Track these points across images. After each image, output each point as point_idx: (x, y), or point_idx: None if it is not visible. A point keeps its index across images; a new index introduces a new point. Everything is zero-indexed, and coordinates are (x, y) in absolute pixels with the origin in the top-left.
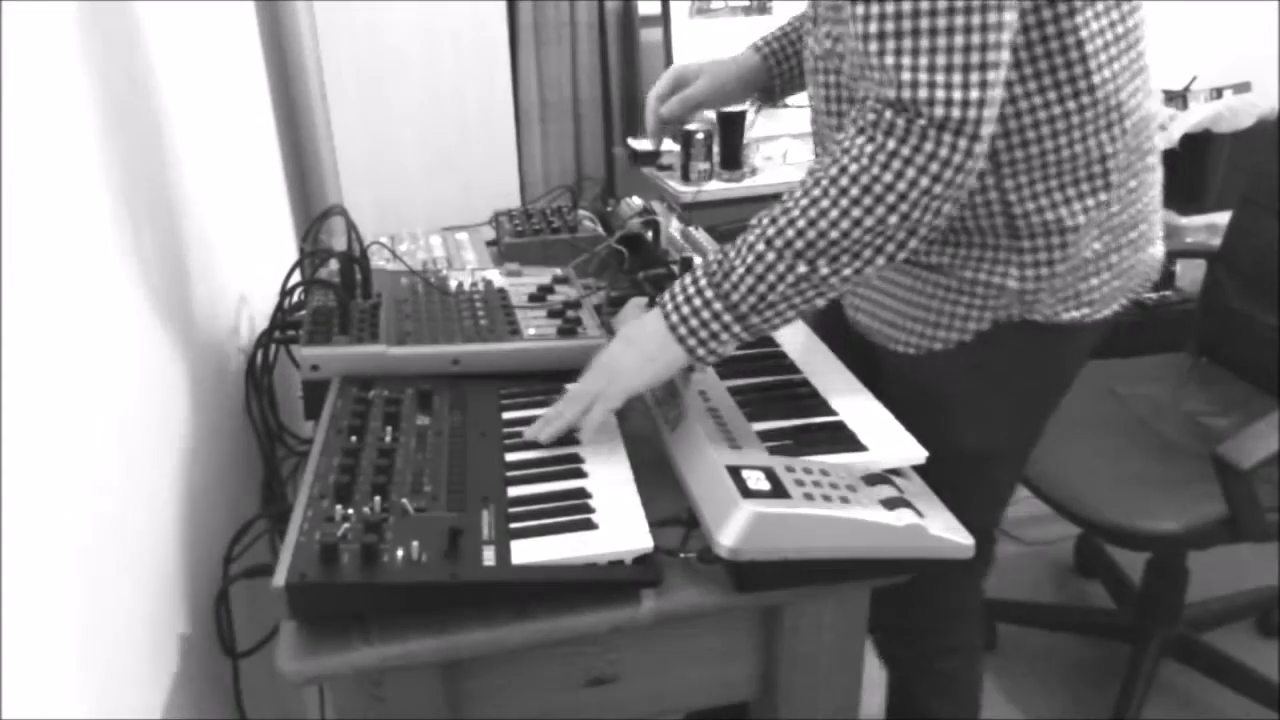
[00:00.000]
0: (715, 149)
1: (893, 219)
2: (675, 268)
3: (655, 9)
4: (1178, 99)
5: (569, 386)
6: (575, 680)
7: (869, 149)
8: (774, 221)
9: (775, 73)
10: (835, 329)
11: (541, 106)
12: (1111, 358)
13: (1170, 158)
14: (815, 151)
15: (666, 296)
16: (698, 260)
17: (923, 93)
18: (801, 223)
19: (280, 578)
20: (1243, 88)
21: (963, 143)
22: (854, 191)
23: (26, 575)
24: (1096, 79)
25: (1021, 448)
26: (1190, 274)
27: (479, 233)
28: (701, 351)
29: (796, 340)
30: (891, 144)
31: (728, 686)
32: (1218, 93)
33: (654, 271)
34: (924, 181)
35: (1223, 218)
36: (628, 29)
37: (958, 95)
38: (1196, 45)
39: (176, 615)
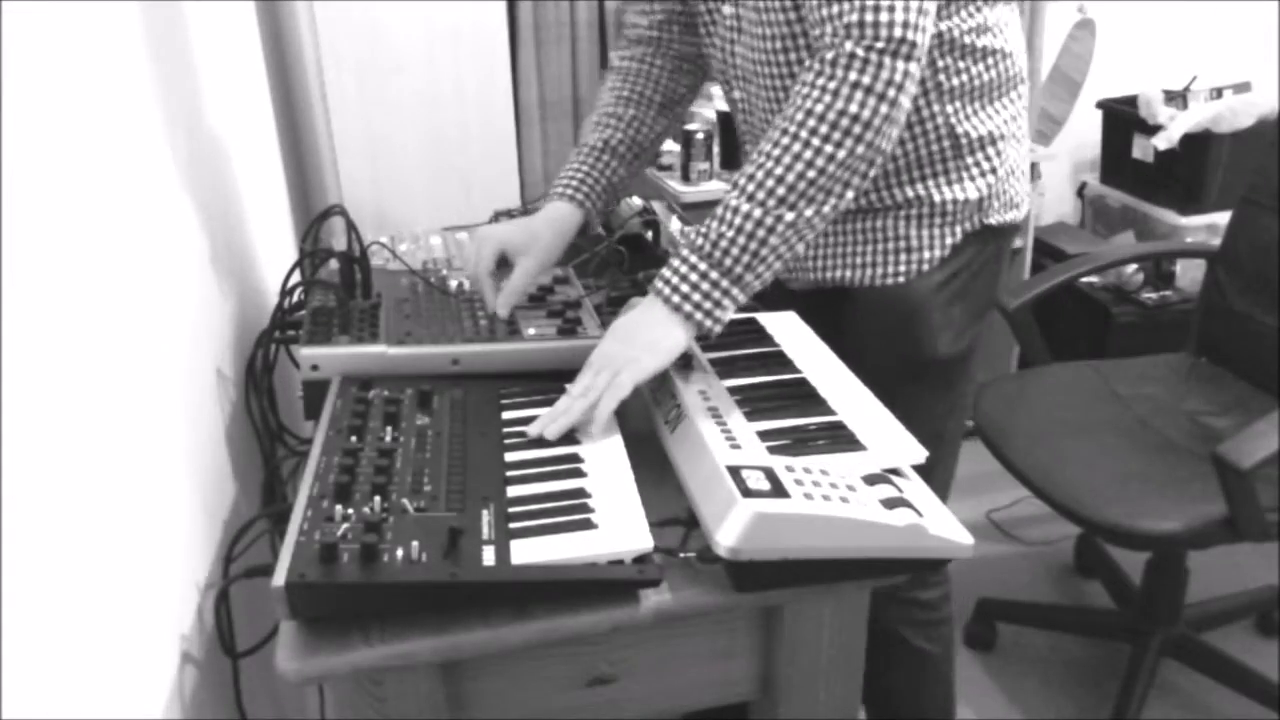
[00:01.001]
0: (715, 149)
1: (860, 148)
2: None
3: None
4: (1178, 99)
5: (569, 387)
6: (575, 680)
7: (831, 85)
8: (751, 178)
9: (594, 210)
10: (778, 304)
11: (541, 106)
12: (1112, 358)
13: (1170, 158)
14: (746, 150)
15: (659, 283)
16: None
17: (884, 15)
18: (779, 170)
19: (280, 578)
20: (1243, 88)
21: (913, 67)
22: (823, 129)
23: (26, 575)
24: (994, 16)
25: (977, 353)
26: (1190, 274)
27: (474, 233)
28: (708, 322)
29: (797, 340)
30: (853, 75)
31: (727, 686)
32: (1218, 93)
33: (654, 271)
34: (883, 108)
35: (1222, 218)
36: None
37: (913, 18)
38: (1196, 45)
39: (176, 615)
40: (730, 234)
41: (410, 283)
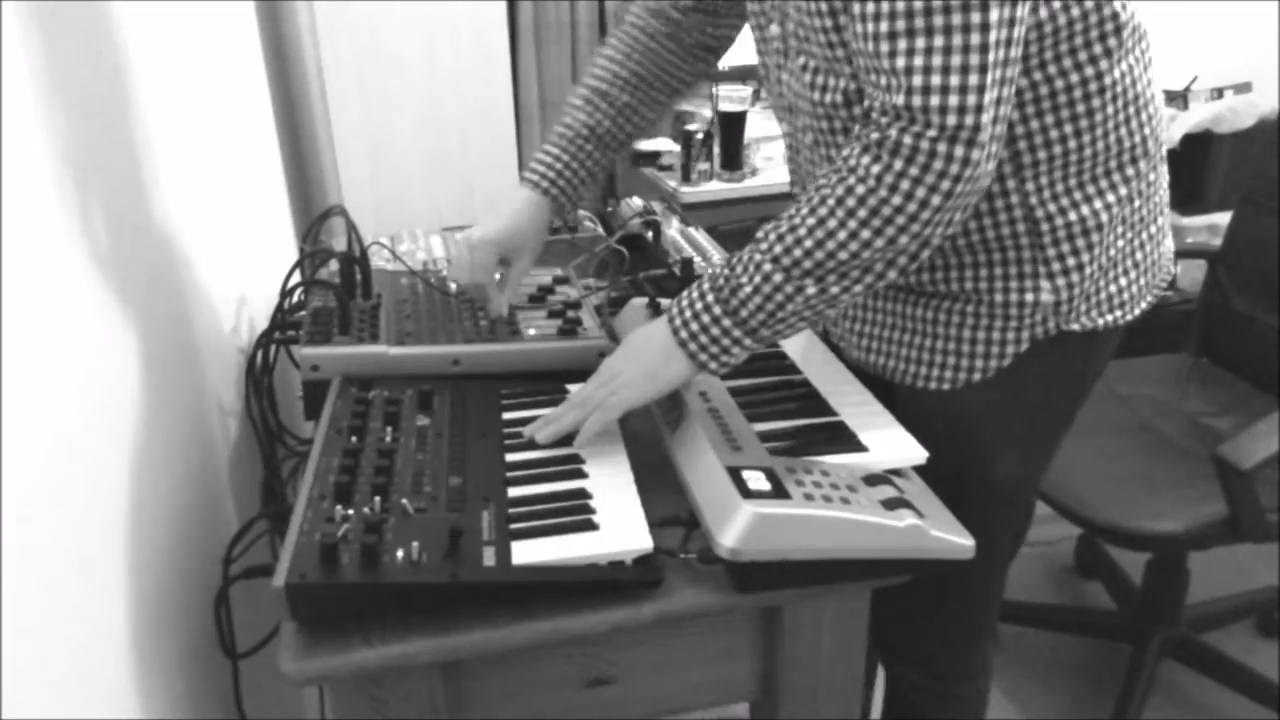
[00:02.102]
0: (715, 149)
1: (903, 239)
2: (675, 268)
3: None
4: (1178, 99)
5: (571, 388)
6: (575, 681)
7: (875, 169)
8: (780, 239)
9: (565, 200)
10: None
11: (542, 107)
12: (1112, 358)
13: (1171, 158)
14: (794, 190)
15: (675, 310)
16: (704, 265)
17: (934, 100)
18: (809, 243)
19: (280, 578)
20: (1243, 88)
21: (974, 154)
22: (862, 213)
23: (26, 576)
24: (1117, 72)
25: (1045, 468)
26: (1191, 274)
27: (465, 240)
28: (714, 365)
29: (797, 340)
30: (899, 164)
31: (728, 687)
32: (1218, 93)
33: (654, 272)
34: (935, 200)
35: (1223, 218)
36: None
37: (971, 101)
38: (1197, 45)
39: (176, 616)
40: (748, 289)
41: (410, 283)
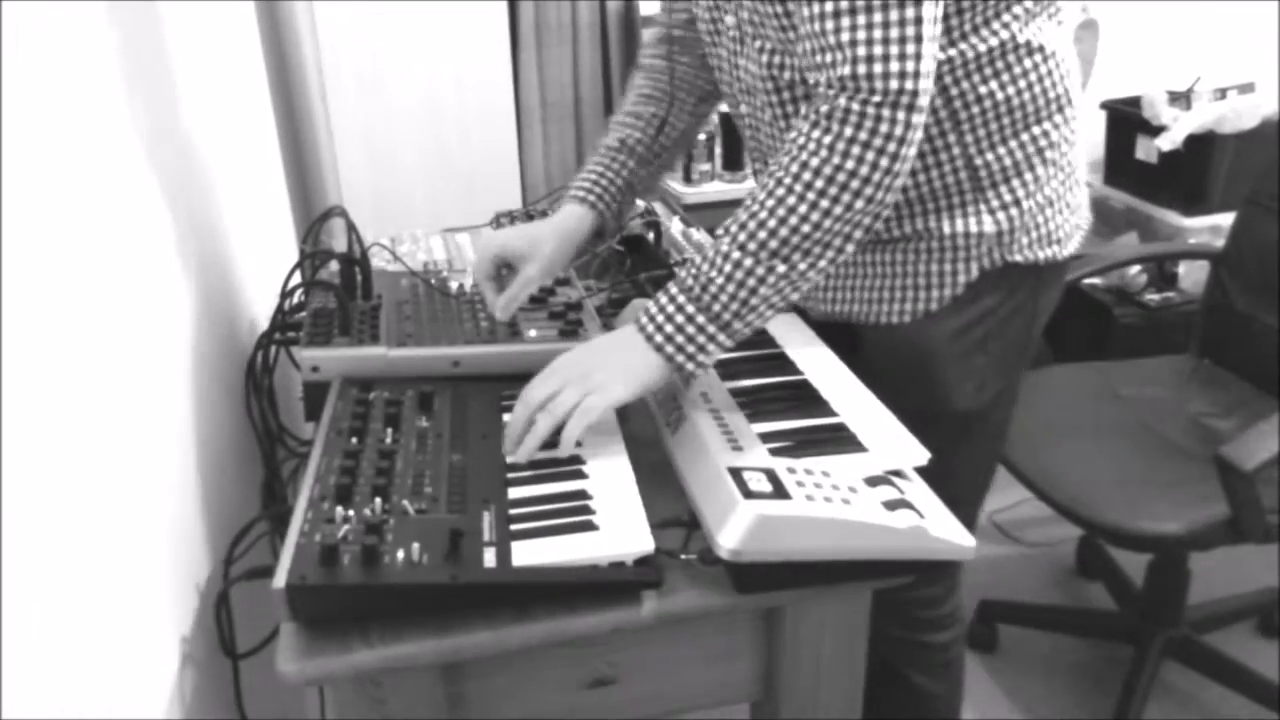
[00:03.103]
0: (717, 150)
1: (859, 203)
2: (676, 269)
3: (656, 9)
4: (1181, 100)
5: (524, 392)
6: (576, 682)
7: (826, 139)
8: (743, 226)
9: (609, 213)
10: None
11: (543, 107)
12: (1114, 359)
13: (1174, 159)
14: (755, 167)
15: (644, 319)
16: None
17: (877, 66)
18: (772, 223)
19: (280, 579)
20: (1246, 88)
21: (915, 117)
22: (819, 184)
23: (27, 576)
24: (1028, 32)
25: (1006, 406)
26: (1193, 275)
27: (480, 234)
28: (690, 366)
29: (797, 341)
30: (849, 130)
31: (729, 687)
32: (1221, 93)
33: (655, 273)
34: (883, 161)
35: (1226, 219)
36: (629, 30)
37: (910, 66)
38: (1200, 46)
39: (177, 616)
40: (720, 280)
41: (411, 284)
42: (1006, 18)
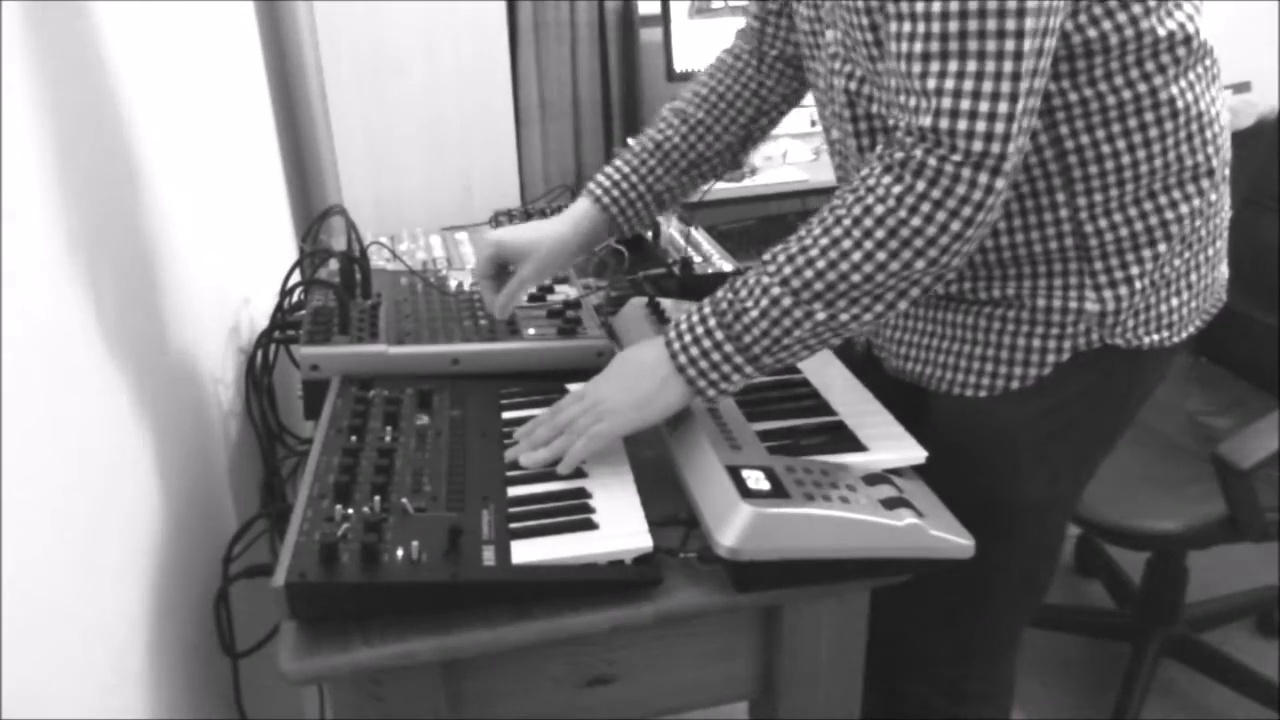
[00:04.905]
0: None
1: (920, 262)
2: (674, 268)
3: (655, 9)
4: None
5: (572, 388)
6: (575, 680)
7: (896, 190)
8: (790, 260)
9: (622, 218)
10: (867, 375)
11: (541, 106)
12: None
13: None
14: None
15: (674, 334)
16: (703, 265)
17: (962, 124)
18: (821, 264)
19: (280, 577)
20: (1243, 88)
21: (998, 182)
22: (879, 234)
23: (26, 575)
24: (1175, 89)
25: (1079, 492)
26: None
27: (479, 233)
28: (711, 392)
29: None
30: (921, 185)
31: (727, 686)
32: None
33: (653, 271)
34: (954, 225)
35: None
36: (628, 29)
37: (1000, 128)
38: None
39: (176, 615)
40: (755, 313)
41: (410, 282)
42: (1150, 65)
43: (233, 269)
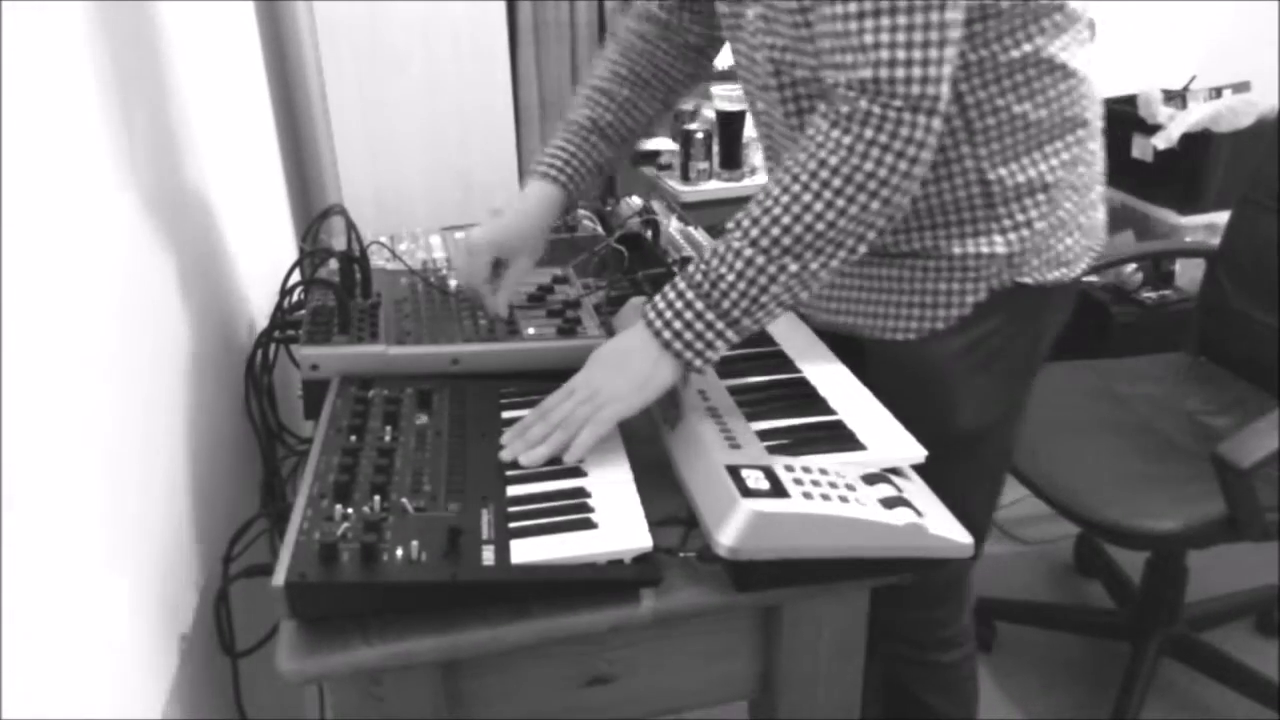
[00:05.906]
0: (714, 148)
1: (875, 204)
2: (674, 267)
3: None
4: (1177, 98)
5: (545, 405)
6: (574, 680)
7: (846, 140)
8: (755, 222)
9: (577, 192)
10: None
11: (541, 106)
12: (1111, 357)
13: (1170, 157)
14: (768, 165)
15: (652, 314)
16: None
17: (900, 71)
18: (786, 219)
19: (280, 577)
20: (1242, 87)
21: (935, 122)
22: (835, 183)
23: (26, 574)
24: (1052, 48)
25: (1010, 425)
26: (1189, 273)
27: (465, 239)
28: (698, 362)
29: (796, 339)
30: (869, 133)
31: (727, 685)
32: (1217, 92)
33: (653, 271)
34: (902, 165)
35: (1222, 217)
36: None
37: (933, 72)
38: (1196, 44)
39: (176, 615)
40: (730, 277)
41: (410, 282)
42: (1033, 29)
43: (233, 268)
